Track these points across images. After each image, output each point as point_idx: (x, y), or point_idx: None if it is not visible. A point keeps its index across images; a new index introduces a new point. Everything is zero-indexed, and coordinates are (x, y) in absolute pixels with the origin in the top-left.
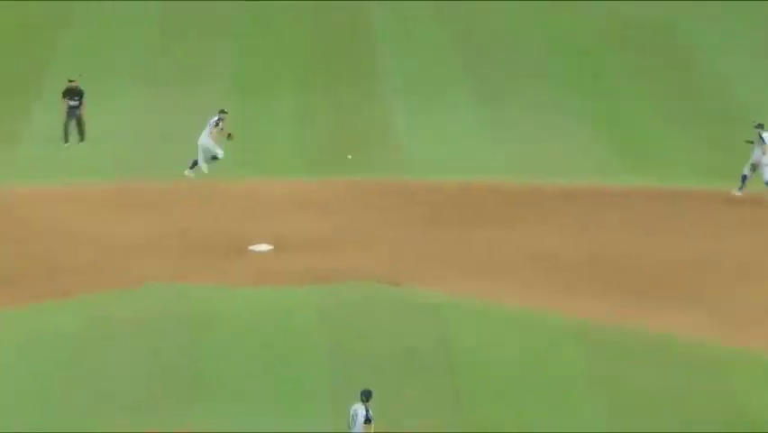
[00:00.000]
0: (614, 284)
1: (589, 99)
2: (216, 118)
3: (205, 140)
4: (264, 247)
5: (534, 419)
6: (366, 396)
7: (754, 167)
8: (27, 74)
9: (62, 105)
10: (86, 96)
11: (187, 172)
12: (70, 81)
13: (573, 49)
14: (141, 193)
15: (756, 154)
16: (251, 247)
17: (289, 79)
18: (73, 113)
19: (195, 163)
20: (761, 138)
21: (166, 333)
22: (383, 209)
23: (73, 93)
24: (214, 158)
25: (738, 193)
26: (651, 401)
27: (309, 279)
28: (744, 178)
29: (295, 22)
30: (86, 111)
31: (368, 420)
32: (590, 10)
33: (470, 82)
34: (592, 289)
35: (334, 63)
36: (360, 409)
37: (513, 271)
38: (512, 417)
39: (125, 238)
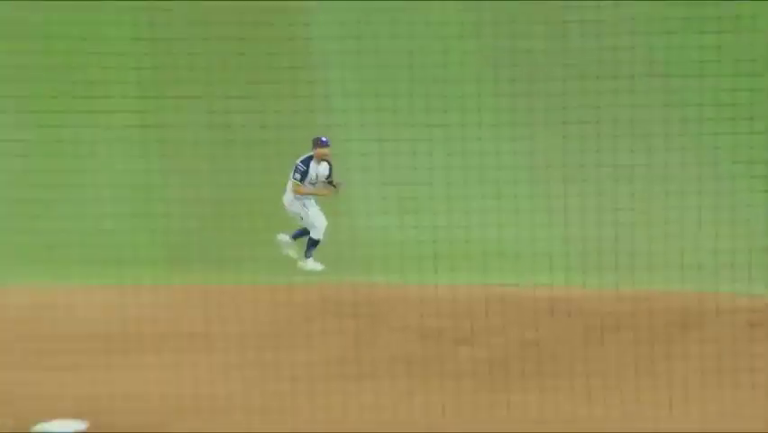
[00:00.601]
0: None
1: (749, 148)
2: (310, 157)
3: (291, 200)
4: (68, 426)
5: None
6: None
7: None
8: None
9: None
10: None
11: (303, 264)
12: None
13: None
14: None
15: None
16: (37, 427)
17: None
18: None
19: (311, 242)
20: None
21: None
22: (342, 345)
23: None
24: (304, 232)
25: None
26: None
27: None
28: None
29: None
30: None
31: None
32: None
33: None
34: None
35: (220, 63)
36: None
37: None
38: None
39: None
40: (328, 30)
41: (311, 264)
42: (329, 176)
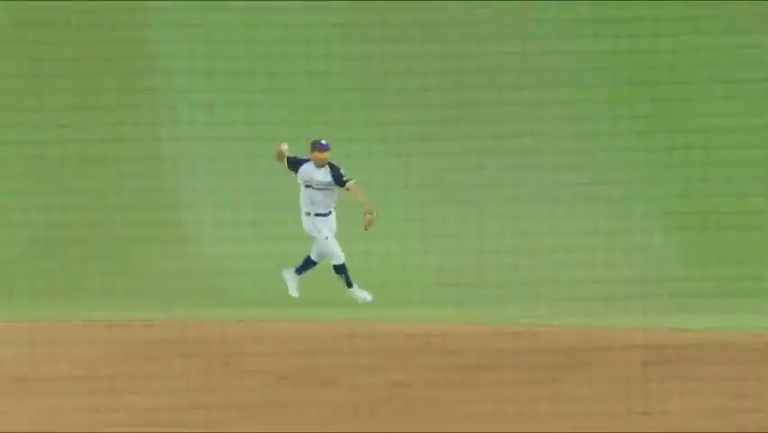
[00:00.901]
0: None
1: (660, 168)
2: (306, 159)
3: (305, 217)
4: None
5: None
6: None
7: None
8: None
9: None
10: None
11: (361, 294)
12: None
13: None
14: None
15: None
16: None
17: None
18: None
19: (340, 269)
20: None
21: None
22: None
23: None
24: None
25: None
26: None
27: None
28: None
29: None
30: None
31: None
32: None
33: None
34: None
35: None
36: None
37: None
38: None
39: None
40: (173, 32)
41: (357, 292)
42: (337, 181)
